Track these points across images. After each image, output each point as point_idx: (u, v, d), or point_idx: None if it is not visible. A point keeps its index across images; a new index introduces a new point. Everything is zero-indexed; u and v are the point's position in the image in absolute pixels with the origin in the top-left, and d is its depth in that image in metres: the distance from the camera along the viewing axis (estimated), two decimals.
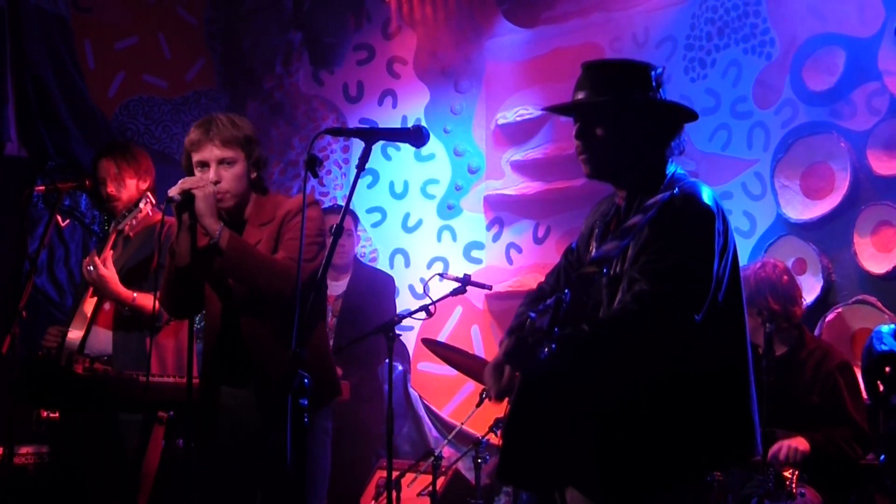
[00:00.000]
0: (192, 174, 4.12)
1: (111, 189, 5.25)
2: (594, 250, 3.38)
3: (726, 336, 3.22)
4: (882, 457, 4.69)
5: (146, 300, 4.98)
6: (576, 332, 2.99)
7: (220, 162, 4.10)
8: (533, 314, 3.03)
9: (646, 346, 3.05)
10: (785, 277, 5.20)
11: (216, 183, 4.06)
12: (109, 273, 4.95)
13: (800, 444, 4.92)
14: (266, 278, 3.97)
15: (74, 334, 5.07)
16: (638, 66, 3.39)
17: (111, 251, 5.01)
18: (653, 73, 3.32)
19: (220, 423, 4.16)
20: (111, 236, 5.09)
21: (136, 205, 4.86)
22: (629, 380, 3.09)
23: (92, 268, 4.91)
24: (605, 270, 3.14)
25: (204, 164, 4.10)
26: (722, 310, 3.18)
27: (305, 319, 3.30)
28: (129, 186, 5.26)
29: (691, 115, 3.37)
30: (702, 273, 3.11)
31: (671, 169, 3.33)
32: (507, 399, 3.25)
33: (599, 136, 3.30)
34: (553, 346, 2.90)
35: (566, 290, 3.00)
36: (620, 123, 3.30)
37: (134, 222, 4.92)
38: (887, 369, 4.61)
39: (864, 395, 5.03)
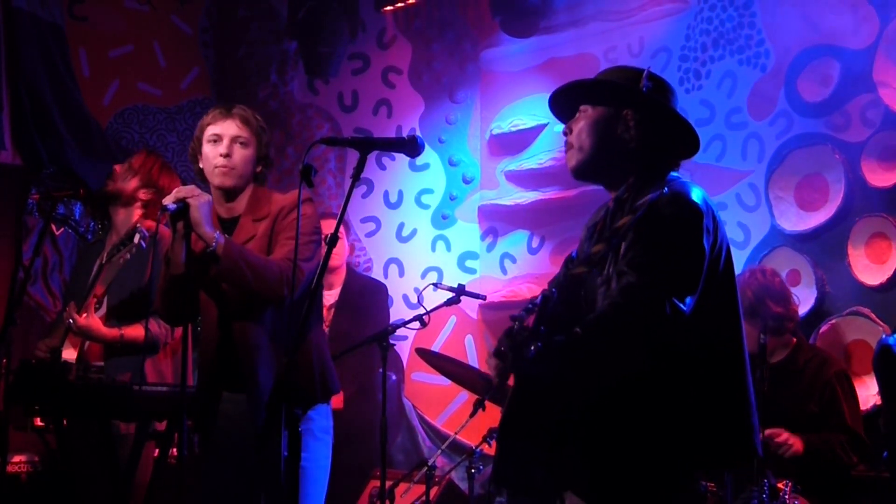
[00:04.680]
0: (200, 152, 4.19)
1: (118, 167, 5.28)
2: (585, 251, 3.40)
3: (722, 335, 3.22)
4: (885, 453, 4.73)
5: (135, 331, 4.97)
6: (569, 337, 3.00)
7: (235, 139, 4.18)
8: (521, 313, 3.05)
9: (636, 338, 3.05)
10: (777, 279, 5.29)
11: (226, 156, 4.13)
12: (91, 321, 4.93)
13: (795, 442, 4.94)
14: (264, 282, 3.97)
15: (69, 354, 5.05)
16: (631, 67, 3.48)
17: (94, 298, 4.99)
18: (645, 72, 3.37)
19: (220, 428, 4.16)
20: (103, 270, 5.05)
21: (131, 237, 4.81)
22: (623, 378, 3.09)
23: (72, 320, 4.90)
24: (595, 270, 3.16)
25: (217, 138, 4.18)
26: (716, 308, 3.19)
27: (301, 325, 3.30)
28: (129, 181, 5.25)
29: (682, 123, 3.39)
30: (689, 266, 3.12)
31: (663, 172, 3.35)
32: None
33: (578, 126, 3.38)
34: (539, 344, 2.91)
35: (553, 290, 3.01)
36: (597, 107, 3.36)
37: (129, 256, 4.87)
38: None
39: (879, 397, 5.08)
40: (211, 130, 4.20)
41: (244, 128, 4.20)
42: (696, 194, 3.21)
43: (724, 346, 3.22)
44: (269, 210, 4.20)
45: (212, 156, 4.18)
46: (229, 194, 4.18)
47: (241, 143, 4.19)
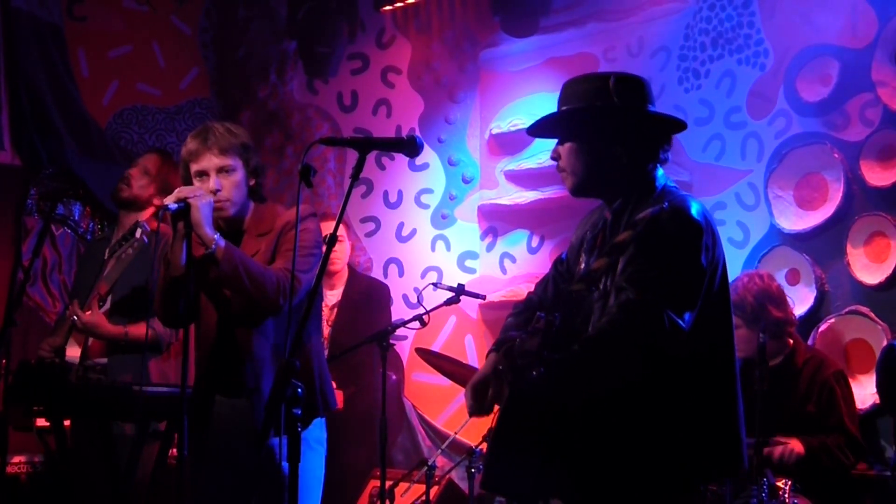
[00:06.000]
0: (191, 185, 4.12)
1: (134, 173, 5.28)
2: (583, 264, 3.39)
3: (714, 350, 3.22)
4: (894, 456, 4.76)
5: (140, 330, 4.97)
6: (568, 355, 3.00)
7: (220, 170, 4.09)
8: (522, 334, 3.04)
9: (635, 355, 3.04)
10: (774, 284, 5.29)
11: (216, 192, 4.06)
12: (95, 318, 4.93)
13: (795, 445, 4.95)
14: (261, 289, 3.95)
15: (73, 352, 5.06)
16: (594, 77, 3.43)
17: (97, 299, 4.99)
18: (611, 80, 3.31)
19: (216, 432, 4.15)
20: (106, 267, 5.05)
21: (132, 233, 4.82)
22: (619, 393, 3.08)
23: (76, 317, 4.90)
24: (593, 288, 3.15)
25: (203, 174, 4.09)
26: (710, 325, 3.18)
27: (300, 330, 3.30)
28: (145, 186, 5.26)
29: (663, 119, 3.37)
30: (688, 282, 3.11)
31: (661, 181, 3.33)
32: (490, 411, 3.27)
33: (566, 151, 3.35)
34: (542, 369, 2.91)
35: (556, 314, 3.00)
36: (580, 135, 3.32)
37: (130, 251, 4.87)
38: None
39: (878, 398, 5.12)
40: (194, 168, 4.11)
41: (225, 156, 4.09)
42: (696, 209, 3.20)
43: (716, 362, 3.21)
44: (271, 225, 4.17)
45: None
46: (230, 222, 4.14)
47: (226, 172, 4.10)
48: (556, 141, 3.45)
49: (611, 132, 3.29)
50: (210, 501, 4.18)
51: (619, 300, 3.07)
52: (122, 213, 5.36)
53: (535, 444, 3.09)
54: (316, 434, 4.20)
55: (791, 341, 5.29)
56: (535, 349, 2.95)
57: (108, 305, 5.07)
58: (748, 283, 5.22)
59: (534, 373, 2.93)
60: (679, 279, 3.09)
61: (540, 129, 3.48)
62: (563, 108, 3.37)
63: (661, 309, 3.01)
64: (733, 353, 3.27)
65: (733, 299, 5.04)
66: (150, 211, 5.28)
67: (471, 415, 3.29)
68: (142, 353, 4.92)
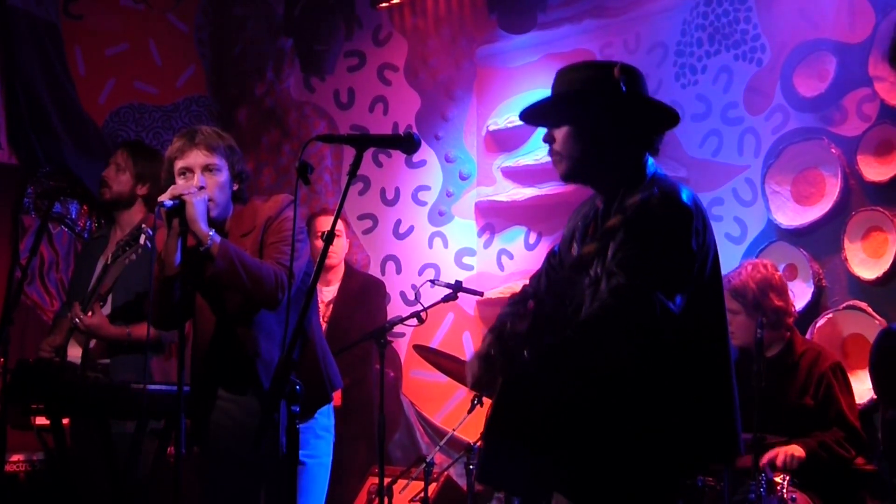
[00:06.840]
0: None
1: (108, 173, 5.27)
2: (575, 253, 3.39)
3: (706, 337, 3.22)
4: (881, 447, 4.76)
5: (142, 330, 4.96)
6: (560, 340, 3.00)
7: (205, 168, 4.06)
8: (513, 317, 3.04)
9: (627, 340, 3.05)
10: (777, 274, 5.33)
11: (200, 189, 4.02)
12: (98, 320, 4.93)
13: (795, 450, 4.94)
14: (259, 284, 3.94)
15: (75, 352, 5.06)
16: (597, 64, 3.42)
17: (98, 304, 4.98)
18: (615, 69, 3.30)
19: (224, 429, 4.15)
20: (108, 270, 5.04)
21: (136, 238, 4.80)
22: (612, 380, 3.08)
23: (78, 320, 4.89)
24: (583, 273, 3.16)
25: (188, 171, 4.06)
26: (702, 311, 3.19)
27: (299, 324, 3.29)
28: (123, 182, 5.26)
29: (662, 109, 3.37)
30: (678, 266, 3.11)
31: (651, 170, 3.34)
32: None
33: (563, 134, 3.34)
34: (532, 351, 2.92)
35: (546, 298, 3.00)
36: (581, 119, 3.31)
37: (134, 257, 4.86)
38: None
39: (874, 392, 5.13)
40: (179, 165, 4.07)
41: (212, 154, 4.07)
42: (686, 195, 3.20)
43: (709, 349, 3.22)
44: (253, 223, 4.14)
45: None
46: (213, 224, 4.05)
47: (211, 171, 4.07)
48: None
49: (612, 118, 3.29)
50: (221, 497, 4.19)
51: (609, 285, 3.08)
52: (116, 214, 5.37)
53: (529, 435, 3.09)
54: (323, 422, 4.22)
55: (788, 333, 5.30)
56: (524, 331, 2.95)
57: (108, 308, 5.06)
58: (752, 271, 5.23)
59: (525, 353, 2.93)
60: (669, 263, 3.09)
61: (534, 113, 3.46)
62: (567, 89, 3.35)
63: (652, 293, 3.02)
64: (726, 340, 3.27)
65: (735, 285, 5.10)
66: (139, 206, 5.28)
67: (470, 386, 3.29)
68: (144, 353, 4.92)
